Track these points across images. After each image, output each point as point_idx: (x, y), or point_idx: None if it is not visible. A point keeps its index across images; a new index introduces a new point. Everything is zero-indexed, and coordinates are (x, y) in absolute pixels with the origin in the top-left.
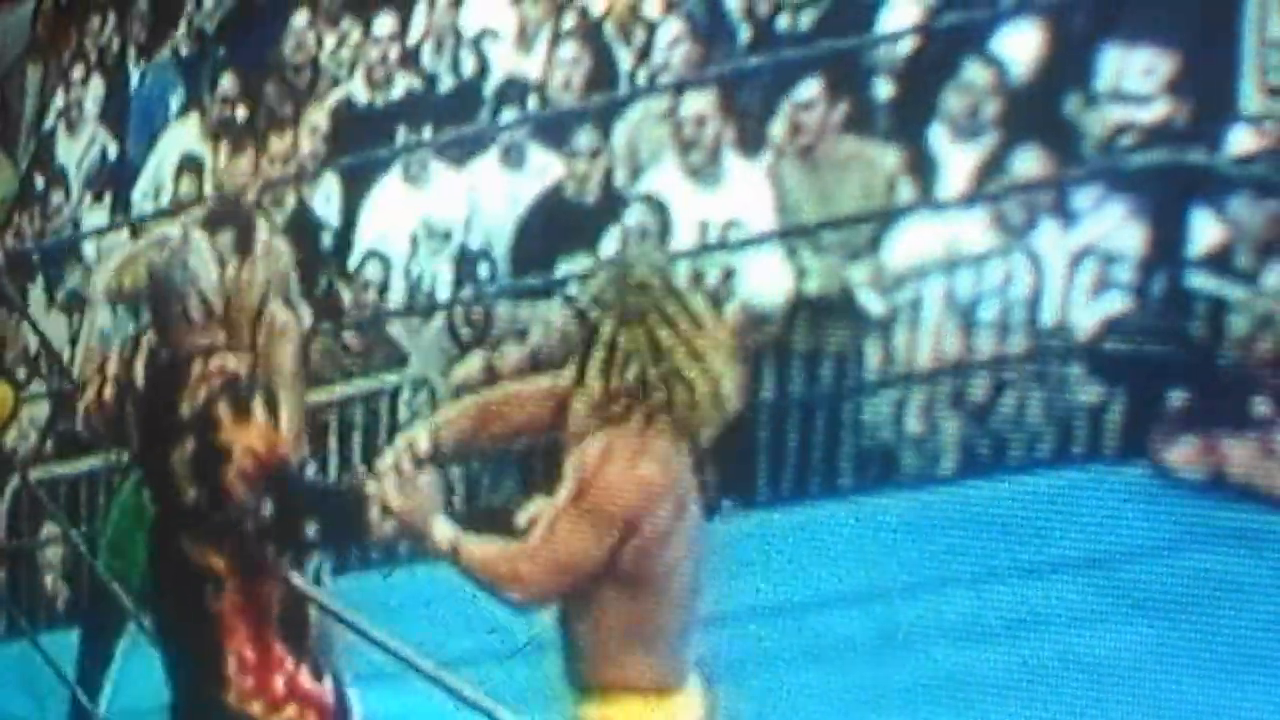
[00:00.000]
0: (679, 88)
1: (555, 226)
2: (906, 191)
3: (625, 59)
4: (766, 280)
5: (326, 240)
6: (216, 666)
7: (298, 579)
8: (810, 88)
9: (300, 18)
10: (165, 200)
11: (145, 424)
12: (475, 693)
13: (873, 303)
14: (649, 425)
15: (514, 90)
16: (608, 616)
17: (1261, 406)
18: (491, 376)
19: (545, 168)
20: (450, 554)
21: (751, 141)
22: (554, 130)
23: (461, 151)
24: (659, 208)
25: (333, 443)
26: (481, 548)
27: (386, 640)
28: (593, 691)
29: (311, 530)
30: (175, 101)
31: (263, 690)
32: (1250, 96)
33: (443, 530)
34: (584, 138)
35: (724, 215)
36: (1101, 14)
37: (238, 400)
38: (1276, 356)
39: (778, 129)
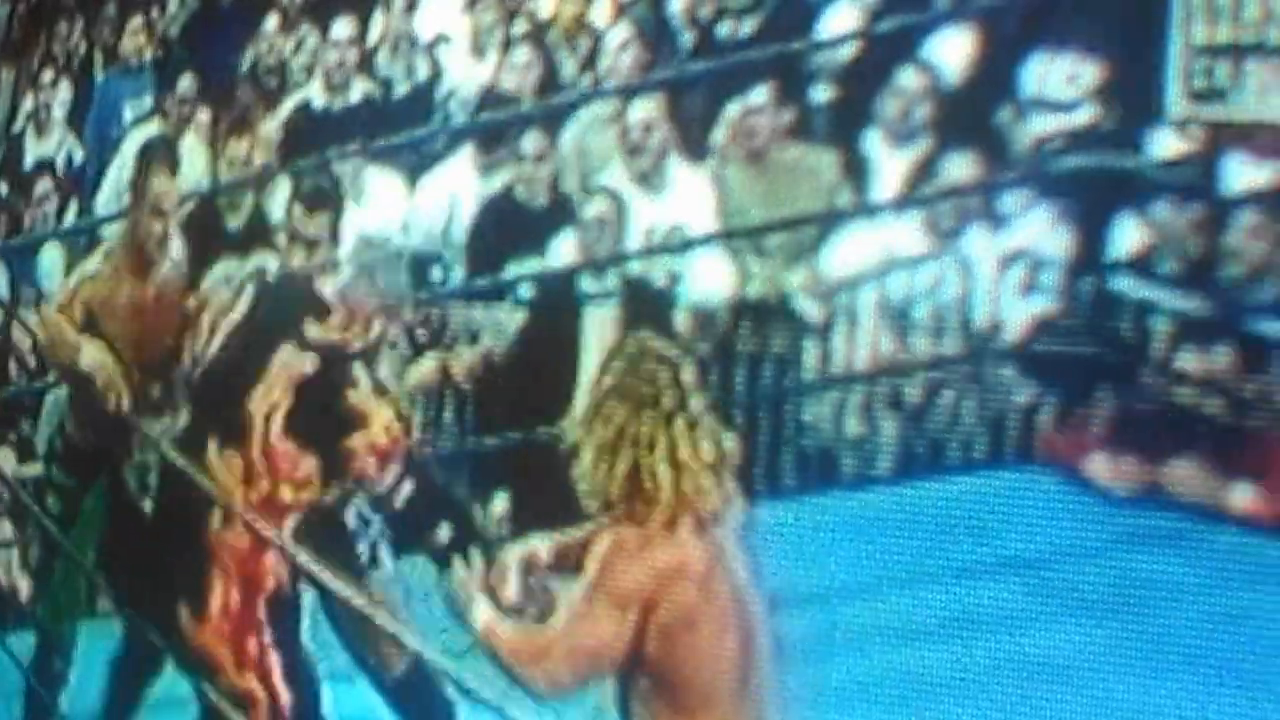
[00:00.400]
0: (626, 93)
1: (506, 230)
2: (845, 196)
3: (571, 64)
4: (711, 283)
5: None
6: (199, 594)
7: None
8: (758, 93)
9: (270, 22)
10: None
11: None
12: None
13: (810, 307)
14: (652, 514)
15: (465, 95)
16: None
17: (1182, 410)
18: (446, 378)
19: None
20: (484, 637)
21: (696, 147)
22: (503, 135)
23: (411, 157)
24: (617, 200)
25: None
26: (511, 633)
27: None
28: None
29: (444, 533)
30: (136, 107)
31: (236, 643)
32: (1175, 102)
33: (483, 611)
34: (531, 142)
35: (670, 220)
36: (1029, 20)
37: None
38: (1199, 362)
39: (722, 134)
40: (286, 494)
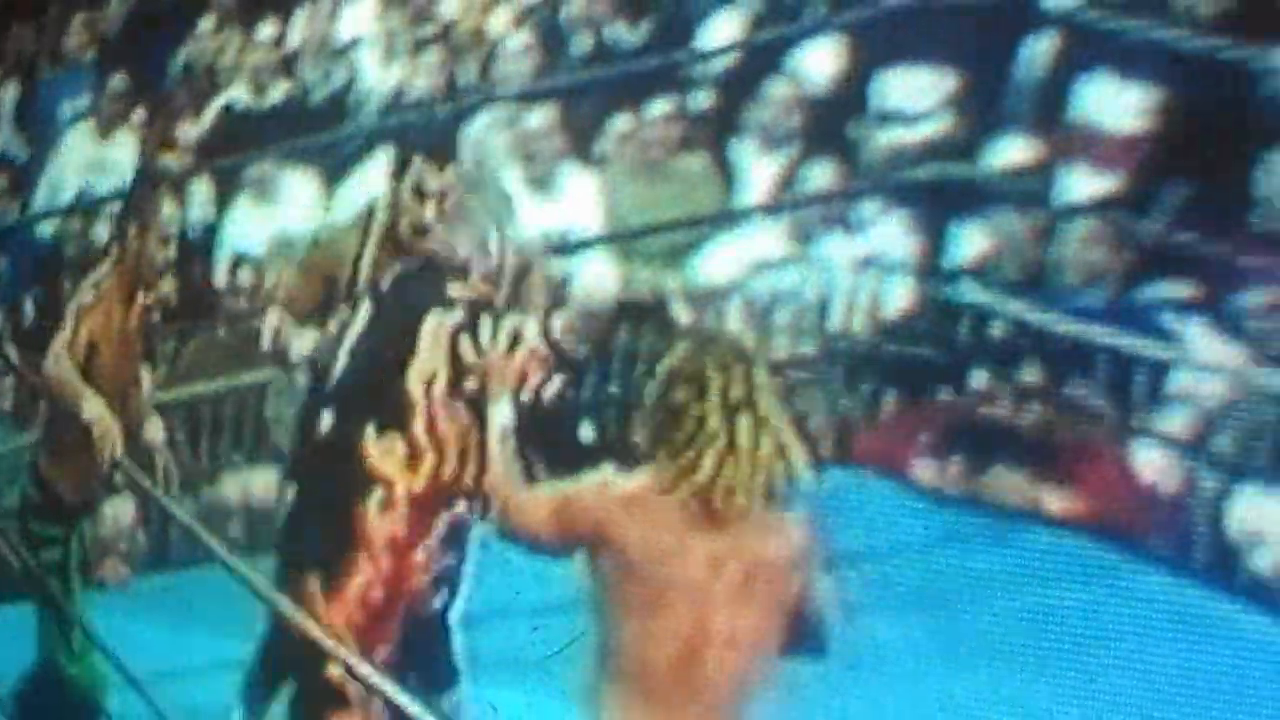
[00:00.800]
0: (521, 99)
1: None
2: (719, 202)
3: (472, 70)
4: (596, 285)
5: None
6: (338, 570)
7: None
8: (651, 105)
9: (205, 23)
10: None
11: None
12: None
13: (682, 309)
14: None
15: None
16: None
17: (1005, 408)
18: None
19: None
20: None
21: (587, 154)
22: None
23: (324, 158)
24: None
25: (205, 434)
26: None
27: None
28: None
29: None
30: (75, 106)
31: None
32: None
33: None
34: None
35: (560, 223)
36: (888, 35)
37: None
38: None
39: (611, 143)
40: (446, 473)
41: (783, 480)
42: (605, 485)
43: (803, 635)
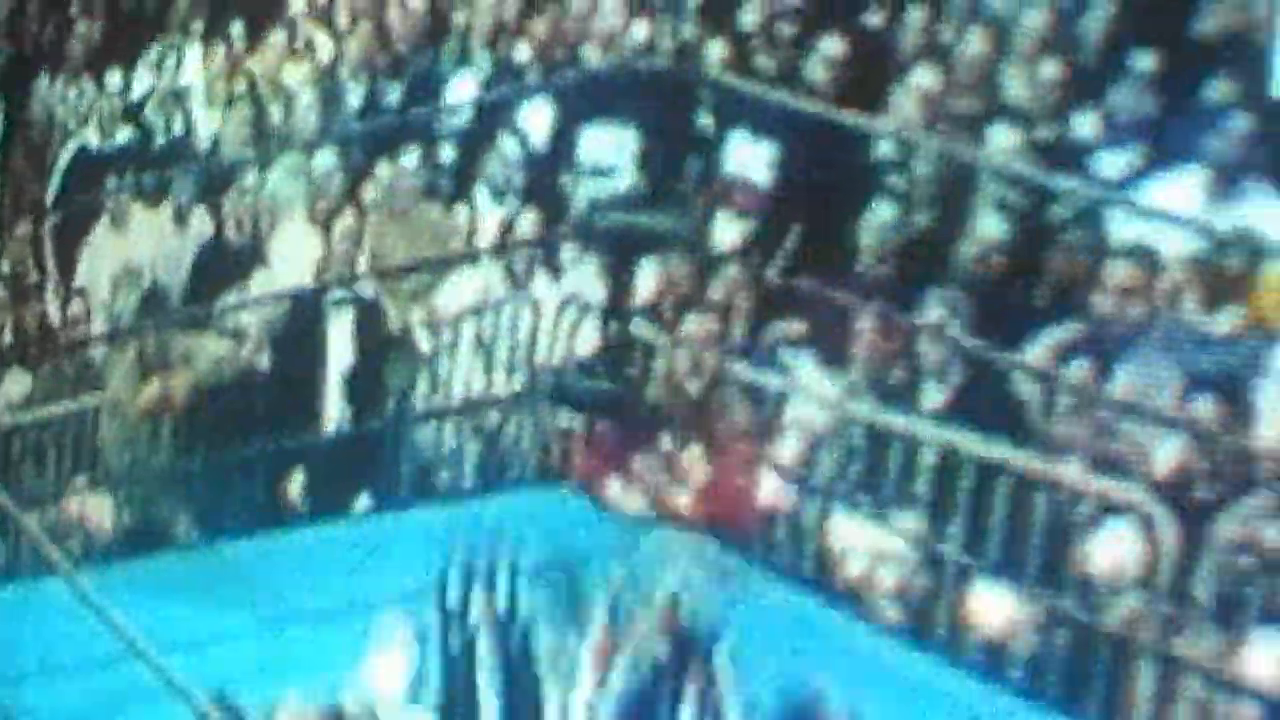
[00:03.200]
0: (309, 147)
1: (215, 267)
2: (457, 244)
3: (276, 118)
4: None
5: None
6: None
7: None
8: (405, 156)
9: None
10: None
11: None
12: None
13: (424, 340)
14: None
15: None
16: None
17: (667, 437)
18: (167, 401)
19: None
20: None
21: (357, 199)
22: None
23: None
24: None
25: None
26: None
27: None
28: None
29: None
30: None
31: None
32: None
33: None
34: (239, 190)
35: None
36: (586, 97)
37: None
38: (690, 395)
39: (372, 189)
40: None
41: None
42: None
43: None
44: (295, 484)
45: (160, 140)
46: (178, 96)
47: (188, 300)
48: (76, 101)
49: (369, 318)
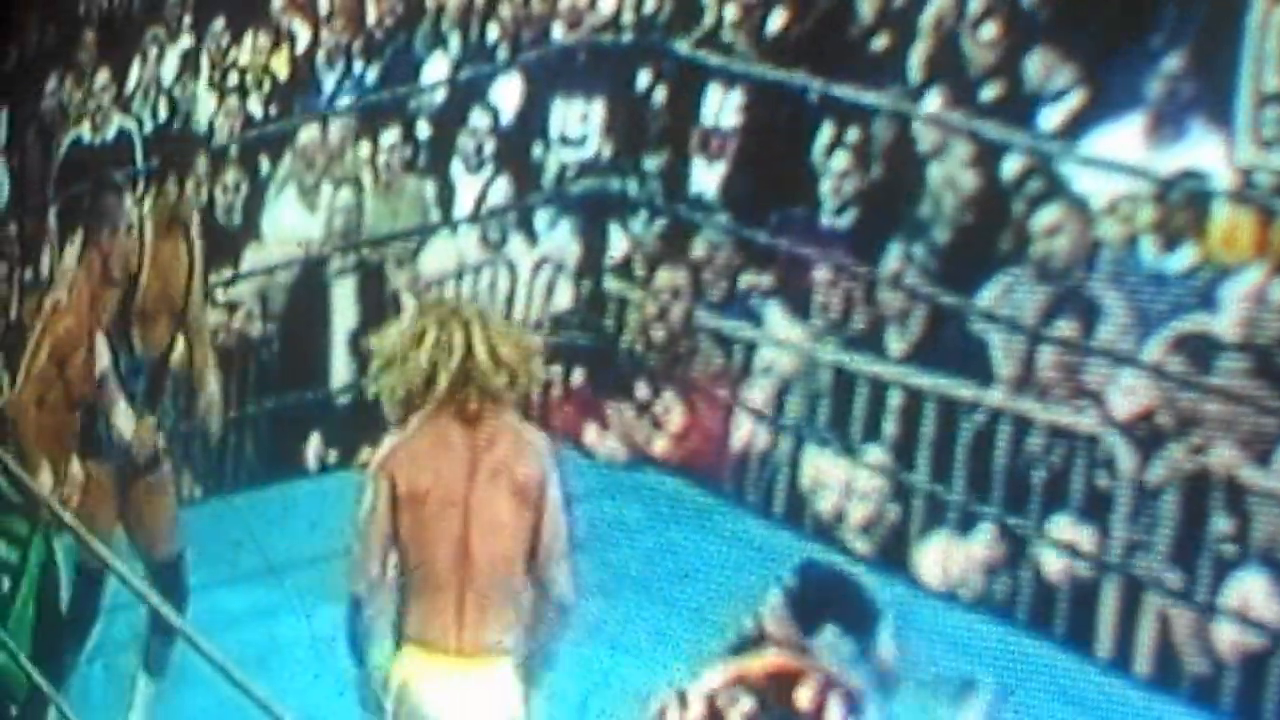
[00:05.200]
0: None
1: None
2: (436, 214)
3: (258, 105)
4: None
5: None
6: None
7: None
8: (387, 134)
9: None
10: None
11: None
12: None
13: (408, 304)
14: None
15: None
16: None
17: (644, 387)
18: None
19: None
20: None
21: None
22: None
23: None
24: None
25: None
26: None
27: None
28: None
29: None
30: None
31: None
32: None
33: None
34: (232, 174)
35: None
36: (554, 71)
37: None
38: (663, 344)
39: (355, 165)
40: None
41: (508, 390)
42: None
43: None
44: (308, 442)
45: (149, 129)
46: (165, 87)
47: None
48: (76, 97)
49: (371, 282)
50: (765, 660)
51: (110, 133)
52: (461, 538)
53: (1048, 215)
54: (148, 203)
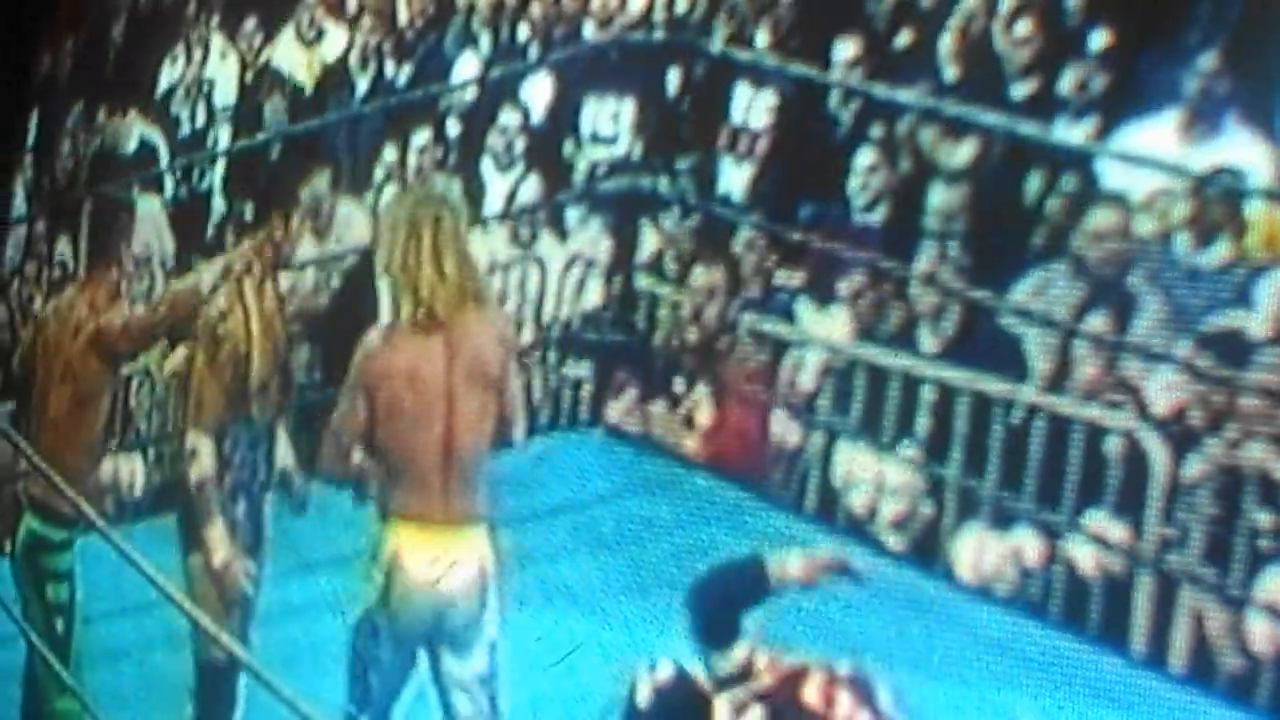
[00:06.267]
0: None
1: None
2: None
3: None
4: None
5: None
6: None
7: None
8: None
9: None
10: None
11: None
12: None
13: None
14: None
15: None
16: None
17: (676, 384)
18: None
19: None
20: None
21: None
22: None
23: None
24: None
25: None
26: None
27: None
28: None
29: None
30: None
31: None
32: None
33: None
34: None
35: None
36: (585, 69)
37: None
38: (695, 342)
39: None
40: None
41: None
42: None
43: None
44: None
45: (185, 131)
46: (200, 89)
47: None
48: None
49: None
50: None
51: (132, 145)
52: (443, 435)
53: (1082, 211)
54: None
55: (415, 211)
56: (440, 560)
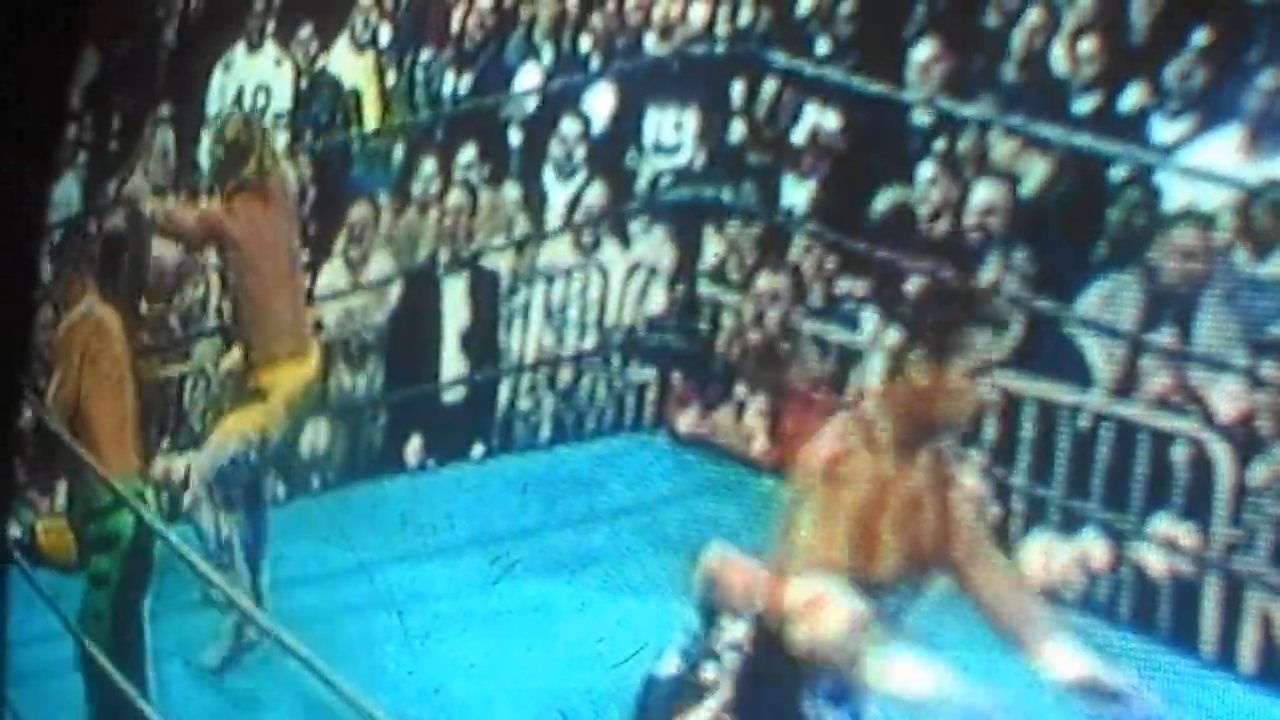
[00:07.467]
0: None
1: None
2: (534, 222)
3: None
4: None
5: None
6: None
7: None
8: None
9: None
10: None
11: None
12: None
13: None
14: None
15: None
16: None
17: (741, 389)
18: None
19: None
20: None
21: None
22: None
23: None
24: None
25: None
26: None
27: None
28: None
29: None
30: None
31: None
32: None
33: None
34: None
35: None
36: (648, 80)
37: None
38: (760, 348)
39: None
40: None
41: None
42: None
43: None
44: (408, 441)
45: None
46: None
47: None
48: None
49: (482, 283)
50: None
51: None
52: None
53: (1147, 224)
54: None
55: None
56: None
